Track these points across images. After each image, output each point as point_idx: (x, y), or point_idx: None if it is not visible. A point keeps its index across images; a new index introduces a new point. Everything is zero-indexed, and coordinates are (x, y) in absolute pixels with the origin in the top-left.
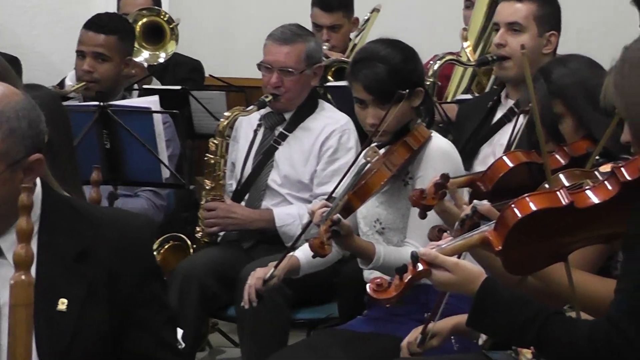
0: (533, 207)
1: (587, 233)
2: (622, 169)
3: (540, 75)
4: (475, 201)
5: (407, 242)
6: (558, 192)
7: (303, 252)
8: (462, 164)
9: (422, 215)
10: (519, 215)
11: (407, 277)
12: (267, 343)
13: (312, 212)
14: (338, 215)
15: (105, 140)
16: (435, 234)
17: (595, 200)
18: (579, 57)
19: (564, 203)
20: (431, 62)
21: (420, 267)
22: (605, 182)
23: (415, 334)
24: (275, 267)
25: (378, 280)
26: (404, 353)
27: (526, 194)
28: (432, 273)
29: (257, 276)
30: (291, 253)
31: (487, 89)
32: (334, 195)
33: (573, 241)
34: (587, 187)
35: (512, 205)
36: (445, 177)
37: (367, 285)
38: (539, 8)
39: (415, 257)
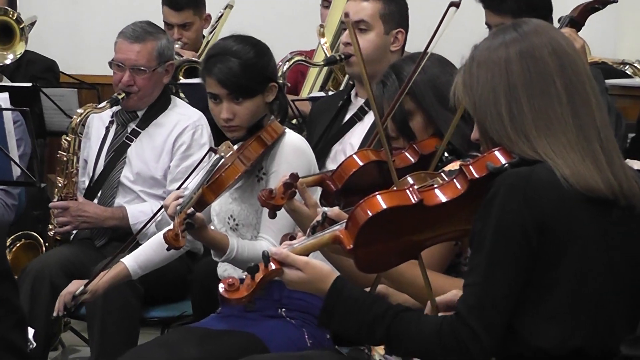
0: (383, 205)
1: (437, 231)
2: (470, 166)
3: (392, 71)
4: (324, 208)
5: (261, 237)
6: (407, 190)
7: (133, 257)
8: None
9: (272, 215)
10: (369, 213)
11: (259, 276)
12: (116, 341)
13: (166, 206)
14: (192, 208)
15: None
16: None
17: (443, 198)
18: (430, 55)
19: (413, 201)
20: (280, 63)
21: (272, 266)
22: (454, 180)
23: (76, 285)
24: (86, 284)
25: (230, 280)
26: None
27: (376, 192)
28: (283, 272)
29: (69, 290)
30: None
31: (342, 86)
32: (185, 189)
33: (424, 239)
34: (436, 185)
35: (362, 204)
36: (294, 176)
37: (219, 285)
38: (385, 6)
39: (266, 257)
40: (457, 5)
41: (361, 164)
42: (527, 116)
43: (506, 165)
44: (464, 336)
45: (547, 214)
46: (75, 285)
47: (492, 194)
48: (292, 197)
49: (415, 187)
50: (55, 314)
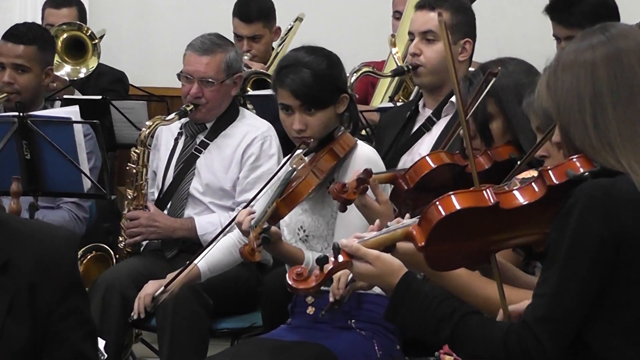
0: (457, 206)
1: (510, 234)
2: (550, 172)
3: (480, 71)
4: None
5: None
6: (484, 192)
7: (204, 259)
8: None
9: (342, 209)
10: (443, 213)
11: (328, 267)
12: (186, 353)
13: (240, 222)
14: (266, 222)
15: (25, 151)
16: None
17: (520, 202)
18: (518, 61)
19: (490, 203)
20: (348, 75)
21: (341, 258)
22: (533, 184)
23: (153, 287)
24: (167, 285)
25: (298, 269)
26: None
27: (451, 192)
28: (353, 264)
29: (147, 292)
30: (192, 265)
31: (412, 95)
32: (255, 202)
33: (497, 241)
34: (514, 188)
35: (437, 203)
36: (367, 172)
37: (287, 274)
38: (452, 16)
39: (337, 248)
40: (495, 74)
41: (434, 166)
42: (612, 124)
43: (587, 174)
44: (529, 345)
45: (627, 228)
46: (153, 287)
47: (570, 204)
48: (364, 193)
49: (492, 188)
50: (135, 316)
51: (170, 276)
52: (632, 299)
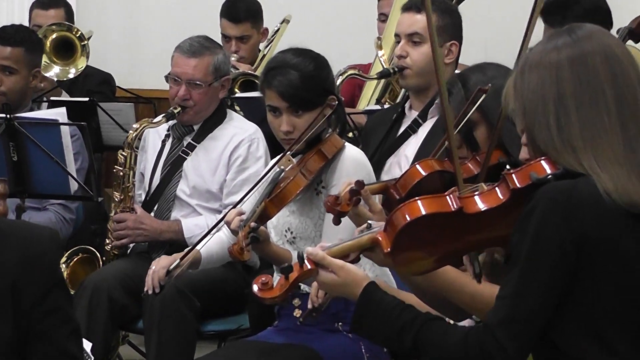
0: (422, 211)
1: (477, 238)
2: (513, 175)
3: (458, 80)
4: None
5: None
6: (448, 197)
7: (205, 248)
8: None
9: (337, 221)
10: (408, 218)
11: (293, 276)
12: (173, 355)
13: (229, 221)
14: (255, 222)
15: (12, 153)
16: None
17: (484, 206)
18: (497, 66)
19: (453, 208)
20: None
21: (307, 266)
22: (496, 188)
23: (166, 261)
24: (181, 259)
25: (264, 278)
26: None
27: (417, 197)
28: (318, 273)
29: (162, 265)
30: (198, 248)
31: (399, 98)
32: (242, 203)
33: (463, 245)
34: (477, 193)
35: (402, 208)
36: (360, 184)
37: (253, 284)
38: (439, 19)
39: (301, 257)
40: (485, 92)
41: (424, 174)
42: (574, 126)
43: (550, 176)
44: (489, 347)
45: (588, 229)
46: (167, 261)
47: (531, 206)
48: (358, 204)
49: (457, 193)
50: (150, 291)
51: (177, 255)
52: (596, 299)
